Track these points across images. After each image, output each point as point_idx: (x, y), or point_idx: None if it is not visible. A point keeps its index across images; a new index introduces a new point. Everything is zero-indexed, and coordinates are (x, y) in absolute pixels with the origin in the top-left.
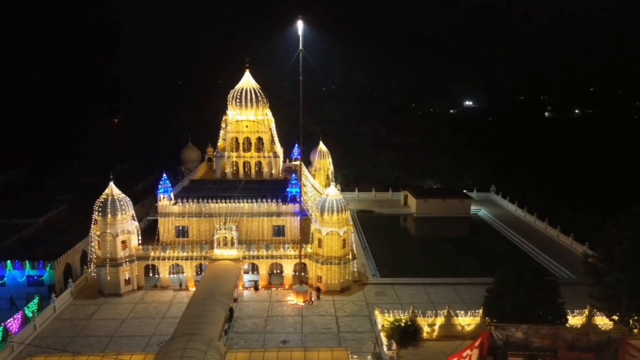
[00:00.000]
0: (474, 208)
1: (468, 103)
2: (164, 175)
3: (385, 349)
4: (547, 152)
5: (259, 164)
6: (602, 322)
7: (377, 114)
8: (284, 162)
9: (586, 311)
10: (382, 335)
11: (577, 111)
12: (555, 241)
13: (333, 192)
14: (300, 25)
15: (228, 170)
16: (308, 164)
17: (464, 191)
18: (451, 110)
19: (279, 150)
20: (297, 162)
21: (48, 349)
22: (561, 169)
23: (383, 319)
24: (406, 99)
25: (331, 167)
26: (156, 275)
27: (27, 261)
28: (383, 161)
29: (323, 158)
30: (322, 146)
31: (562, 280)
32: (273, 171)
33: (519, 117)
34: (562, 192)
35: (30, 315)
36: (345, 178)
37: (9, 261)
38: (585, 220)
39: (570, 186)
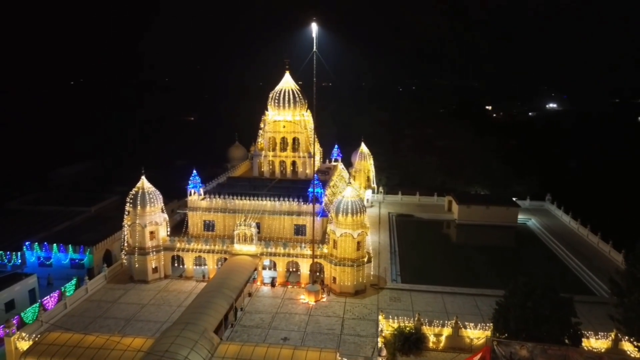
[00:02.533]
0: (523, 217)
1: (552, 105)
2: (194, 171)
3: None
4: (628, 160)
5: (294, 163)
6: (631, 348)
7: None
8: (324, 162)
9: (612, 334)
10: (380, 340)
11: None
12: (605, 257)
13: (349, 194)
14: (314, 27)
15: (265, 169)
16: (350, 165)
17: (514, 199)
18: (530, 113)
19: (315, 150)
20: (336, 163)
21: (68, 330)
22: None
23: (387, 325)
24: (482, 101)
25: (372, 169)
26: (181, 266)
27: (70, 245)
28: (429, 164)
29: (364, 159)
30: (363, 147)
31: (597, 299)
32: (307, 171)
33: (607, 121)
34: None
35: (68, 294)
36: (389, 180)
37: (54, 245)
38: None
39: None
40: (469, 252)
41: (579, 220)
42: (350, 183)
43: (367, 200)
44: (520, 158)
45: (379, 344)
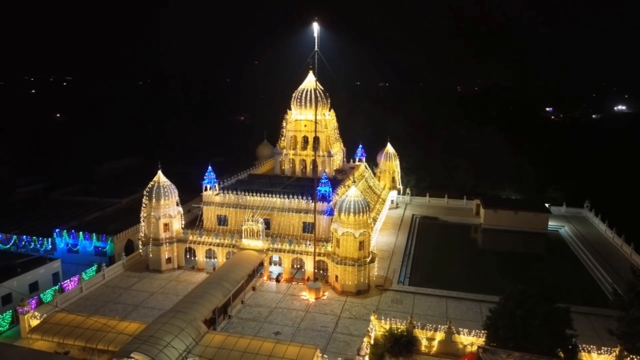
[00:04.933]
0: (555, 224)
1: (621, 108)
2: (209, 167)
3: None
4: None
5: (314, 162)
6: None
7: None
8: (348, 162)
9: (617, 350)
10: (365, 340)
11: None
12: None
13: (353, 193)
14: (315, 27)
15: (286, 167)
16: (377, 165)
17: (547, 205)
18: (593, 115)
19: (336, 150)
20: (359, 163)
21: (73, 312)
22: None
23: (379, 326)
24: (543, 102)
25: (398, 170)
26: (193, 258)
27: (94, 234)
28: (459, 166)
29: (389, 160)
30: (389, 148)
31: (613, 312)
32: (327, 170)
33: None
34: None
35: (86, 278)
36: (419, 182)
37: (81, 233)
38: None
39: None
40: (489, 257)
41: (614, 230)
42: (354, 182)
43: (392, 201)
44: (565, 162)
45: (364, 344)
